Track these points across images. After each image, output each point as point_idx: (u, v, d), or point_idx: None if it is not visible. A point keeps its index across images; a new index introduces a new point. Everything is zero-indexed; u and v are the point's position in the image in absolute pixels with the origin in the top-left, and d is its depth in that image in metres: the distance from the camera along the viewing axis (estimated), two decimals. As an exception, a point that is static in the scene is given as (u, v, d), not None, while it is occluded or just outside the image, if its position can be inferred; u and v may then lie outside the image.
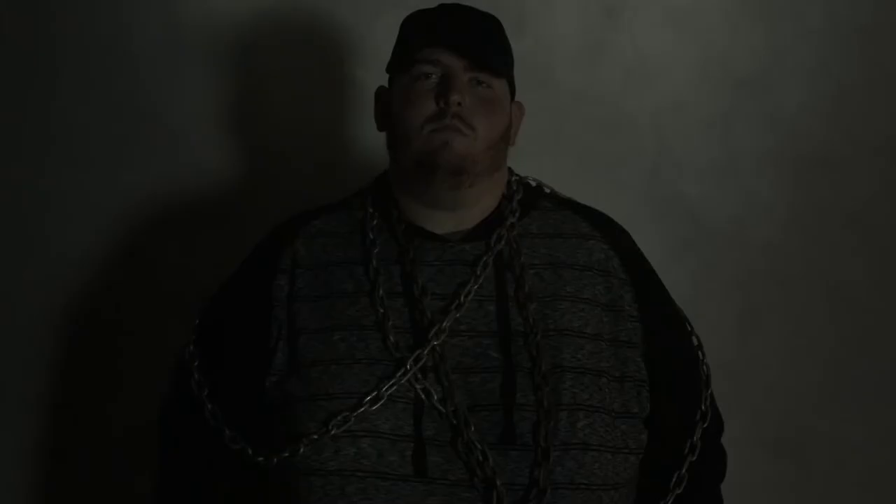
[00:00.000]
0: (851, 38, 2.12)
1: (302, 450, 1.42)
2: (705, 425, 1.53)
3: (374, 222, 1.54)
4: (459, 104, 1.46)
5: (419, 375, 1.43)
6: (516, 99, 1.59)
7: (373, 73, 1.79)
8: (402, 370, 1.42)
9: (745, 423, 2.03)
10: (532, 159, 1.67)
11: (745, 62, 2.11)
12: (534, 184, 1.64)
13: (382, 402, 1.41)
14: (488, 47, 1.51)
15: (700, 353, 1.58)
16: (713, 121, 2.11)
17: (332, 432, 1.40)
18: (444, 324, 1.45)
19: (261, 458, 1.46)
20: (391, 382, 1.42)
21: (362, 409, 1.41)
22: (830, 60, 2.11)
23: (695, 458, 1.51)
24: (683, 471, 1.50)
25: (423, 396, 1.42)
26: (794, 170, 2.12)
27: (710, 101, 2.11)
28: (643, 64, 2.09)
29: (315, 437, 1.41)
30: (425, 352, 1.43)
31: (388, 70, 1.57)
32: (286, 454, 1.43)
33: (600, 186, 2.05)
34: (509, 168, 1.60)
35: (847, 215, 2.14)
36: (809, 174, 2.12)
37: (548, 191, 1.65)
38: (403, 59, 1.52)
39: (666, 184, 2.10)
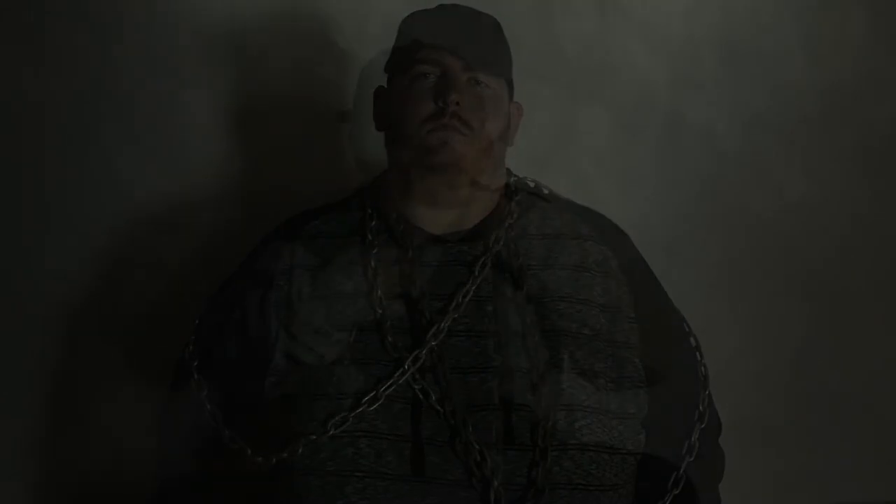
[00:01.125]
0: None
1: (300, 450, 1.42)
2: (703, 426, 1.53)
3: (373, 223, 1.55)
4: (458, 104, 1.46)
5: (417, 376, 1.43)
6: (515, 99, 1.60)
7: (373, 72, 1.79)
8: (401, 370, 1.42)
9: (743, 419, 2.03)
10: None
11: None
12: (532, 184, 1.64)
13: (380, 402, 1.41)
14: (486, 47, 1.51)
15: (698, 353, 1.58)
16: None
17: (331, 432, 1.41)
18: (443, 324, 1.45)
19: (259, 459, 1.46)
20: (389, 383, 1.42)
21: (360, 409, 1.41)
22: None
23: (693, 459, 1.51)
24: (681, 471, 1.50)
25: (421, 397, 1.42)
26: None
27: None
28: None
29: (313, 437, 1.41)
30: (423, 352, 1.43)
31: (386, 70, 1.58)
32: (285, 454, 1.43)
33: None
34: (508, 169, 1.60)
35: (851, 211, 2.14)
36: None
37: (546, 192, 1.65)
38: (402, 59, 1.52)
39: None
